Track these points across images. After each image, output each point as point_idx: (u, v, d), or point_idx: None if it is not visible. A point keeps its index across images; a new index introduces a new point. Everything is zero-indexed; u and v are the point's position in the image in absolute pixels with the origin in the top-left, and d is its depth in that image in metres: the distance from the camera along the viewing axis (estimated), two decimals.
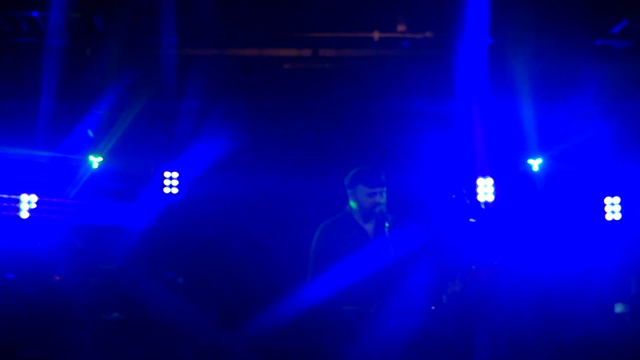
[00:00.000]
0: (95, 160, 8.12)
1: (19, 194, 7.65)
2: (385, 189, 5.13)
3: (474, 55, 7.36)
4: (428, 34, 7.60)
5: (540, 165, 7.99)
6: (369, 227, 5.22)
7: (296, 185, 8.17)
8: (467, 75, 7.40)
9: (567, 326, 6.86)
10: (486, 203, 7.75)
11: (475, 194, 7.80)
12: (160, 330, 6.78)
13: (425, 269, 5.00)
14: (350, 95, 7.98)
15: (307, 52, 7.79)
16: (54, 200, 7.79)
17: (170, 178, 8.11)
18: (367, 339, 4.84)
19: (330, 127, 8.18)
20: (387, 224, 4.97)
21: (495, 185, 7.83)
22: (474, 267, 5.01)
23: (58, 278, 7.19)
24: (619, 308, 6.54)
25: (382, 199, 5.11)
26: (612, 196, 7.59)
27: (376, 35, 7.62)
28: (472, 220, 6.82)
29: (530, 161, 8.03)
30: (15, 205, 7.59)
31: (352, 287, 4.91)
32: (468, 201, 7.19)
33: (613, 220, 7.56)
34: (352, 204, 5.22)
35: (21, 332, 6.66)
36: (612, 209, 7.57)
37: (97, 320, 6.90)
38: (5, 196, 7.62)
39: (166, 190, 8.10)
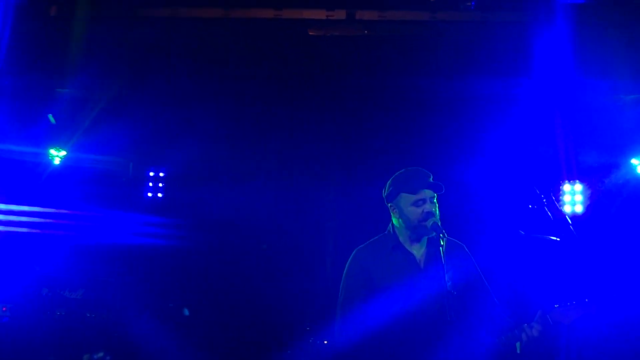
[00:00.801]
0: (57, 155, 7.70)
1: None
2: (435, 194, 4.46)
3: (556, 21, 6.39)
4: None
5: None
6: (418, 250, 4.51)
7: (315, 190, 7.80)
8: (548, 48, 6.43)
9: None
10: (574, 216, 7.30)
11: (560, 203, 7.39)
12: None
13: (492, 308, 4.41)
14: (396, 71, 7.03)
15: (340, 15, 6.73)
16: None
17: (155, 179, 7.80)
18: None
19: (367, 112, 7.52)
20: (442, 242, 4.19)
21: (587, 192, 7.45)
22: (557, 304, 4.28)
23: (5, 309, 6.73)
24: None
25: (433, 207, 4.41)
26: None
27: None
28: (555, 239, 5.68)
29: (633, 161, 7.46)
30: None
31: (394, 329, 4.23)
32: (550, 213, 5.99)
33: None
34: (395, 222, 4.57)
35: None
36: None
37: None
38: None
39: (149, 194, 7.88)
